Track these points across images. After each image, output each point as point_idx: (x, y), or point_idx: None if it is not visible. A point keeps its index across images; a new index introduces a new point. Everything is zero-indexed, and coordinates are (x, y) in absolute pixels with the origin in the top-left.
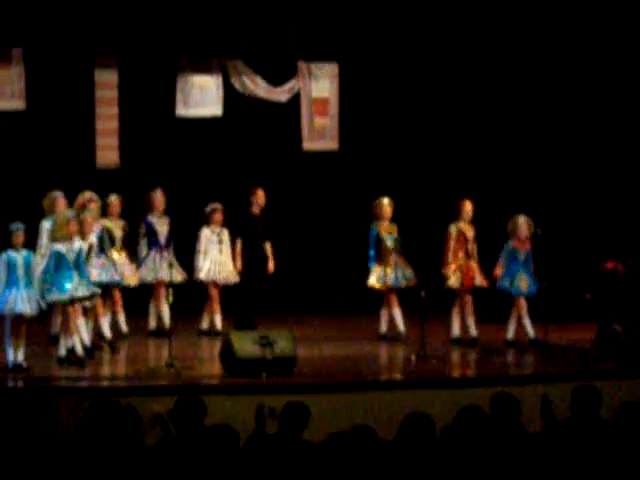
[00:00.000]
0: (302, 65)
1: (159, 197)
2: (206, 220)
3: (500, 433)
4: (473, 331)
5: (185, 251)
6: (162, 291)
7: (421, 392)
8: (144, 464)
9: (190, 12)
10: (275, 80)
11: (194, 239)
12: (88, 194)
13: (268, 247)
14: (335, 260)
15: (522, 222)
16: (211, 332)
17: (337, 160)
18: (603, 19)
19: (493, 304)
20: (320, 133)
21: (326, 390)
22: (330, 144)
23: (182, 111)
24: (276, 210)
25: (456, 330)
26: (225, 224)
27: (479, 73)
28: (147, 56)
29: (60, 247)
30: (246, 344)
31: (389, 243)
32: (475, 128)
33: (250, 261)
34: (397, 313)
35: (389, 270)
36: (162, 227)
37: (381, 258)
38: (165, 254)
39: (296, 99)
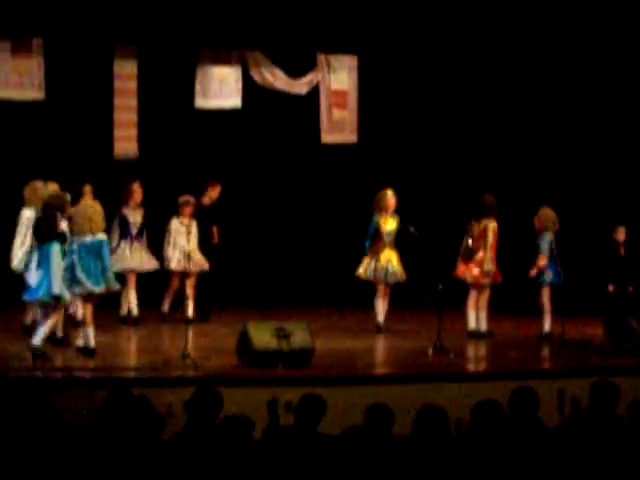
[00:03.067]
0: (321, 57)
1: (137, 189)
2: (177, 211)
3: (518, 428)
4: (484, 325)
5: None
6: (132, 280)
7: (438, 385)
8: (160, 455)
9: (210, 3)
10: (294, 72)
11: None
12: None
13: (214, 231)
14: (354, 252)
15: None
16: (164, 317)
17: (356, 153)
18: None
19: (511, 297)
20: (339, 126)
21: (343, 382)
22: (349, 137)
23: (201, 103)
24: (295, 203)
25: (472, 323)
26: (194, 216)
27: (500, 65)
28: (166, 47)
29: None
30: (263, 336)
31: (386, 237)
32: (495, 120)
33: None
34: (381, 304)
35: (379, 264)
36: (135, 218)
37: (375, 250)
38: (136, 244)
39: (315, 91)
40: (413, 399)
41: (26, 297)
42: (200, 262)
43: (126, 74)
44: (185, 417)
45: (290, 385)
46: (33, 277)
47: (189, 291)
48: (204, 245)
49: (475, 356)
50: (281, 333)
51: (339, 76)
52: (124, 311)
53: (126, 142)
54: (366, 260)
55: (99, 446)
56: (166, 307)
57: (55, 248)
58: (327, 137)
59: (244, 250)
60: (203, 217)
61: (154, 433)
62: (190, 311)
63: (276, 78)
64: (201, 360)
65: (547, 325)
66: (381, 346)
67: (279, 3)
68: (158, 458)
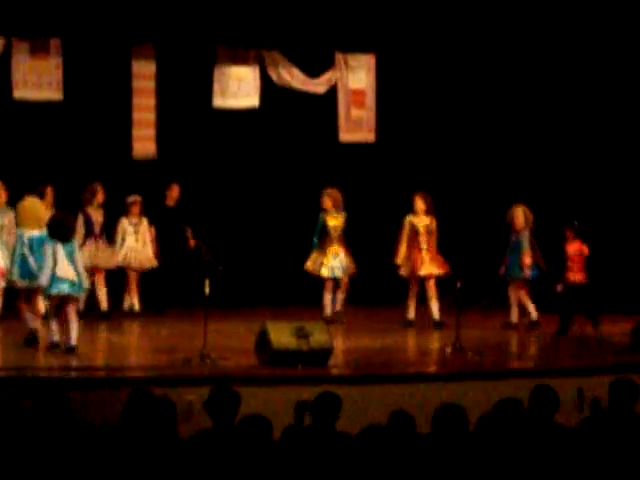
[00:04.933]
0: (339, 56)
1: (99, 190)
2: (125, 210)
3: (537, 426)
4: (436, 314)
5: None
6: (100, 277)
7: (457, 384)
8: (179, 454)
9: (227, 3)
10: (312, 71)
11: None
12: None
13: (189, 232)
14: (370, 250)
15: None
16: (132, 312)
17: (374, 152)
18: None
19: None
20: (357, 125)
21: (362, 382)
22: (367, 136)
23: (219, 102)
24: (313, 202)
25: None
26: (143, 214)
27: (519, 65)
28: (184, 47)
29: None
30: (282, 335)
31: (333, 233)
32: (513, 121)
33: (165, 248)
34: (328, 298)
35: (327, 259)
36: (98, 217)
37: (322, 246)
38: (100, 242)
39: (333, 90)
40: (432, 398)
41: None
42: (144, 261)
43: (144, 74)
44: (204, 417)
45: (309, 384)
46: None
47: (132, 286)
48: (167, 244)
49: (494, 354)
50: (300, 332)
51: (357, 75)
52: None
53: (145, 142)
54: (314, 255)
55: (119, 446)
56: (127, 303)
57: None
58: (345, 136)
59: (261, 248)
60: (169, 218)
61: (174, 432)
62: (136, 306)
63: (294, 77)
64: (220, 360)
65: (514, 317)
66: (400, 345)
67: (297, 2)
68: (177, 457)
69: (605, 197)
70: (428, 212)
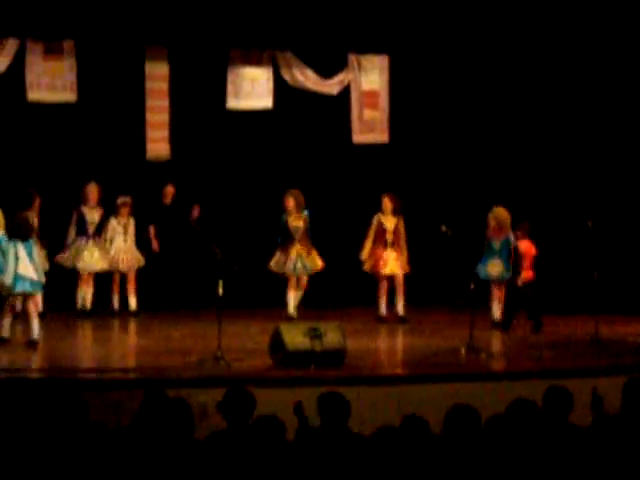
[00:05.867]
0: (352, 57)
1: (93, 190)
2: (115, 211)
3: (551, 427)
4: (401, 311)
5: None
6: (85, 277)
7: (471, 385)
8: (194, 455)
9: (240, 4)
10: (325, 72)
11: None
12: None
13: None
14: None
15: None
16: (123, 312)
17: (387, 153)
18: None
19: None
20: (370, 126)
21: (375, 382)
22: (380, 137)
23: (233, 103)
24: (326, 203)
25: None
26: (132, 215)
27: (534, 66)
28: (198, 48)
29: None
30: (296, 336)
31: (295, 233)
32: (526, 122)
33: (166, 246)
34: (292, 296)
35: (289, 258)
36: (93, 217)
37: (285, 246)
38: (90, 243)
39: (346, 92)
40: (445, 399)
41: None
42: (132, 261)
43: (158, 75)
44: (219, 418)
45: (323, 385)
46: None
47: (130, 286)
48: (167, 242)
49: (507, 355)
50: (314, 333)
51: (370, 76)
52: (79, 305)
53: (158, 143)
54: (277, 255)
55: (135, 447)
56: (115, 302)
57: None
58: (358, 137)
59: (274, 249)
60: (166, 216)
61: (189, 434)
62: (133, 304)
63: (307, 78)
64: (234, 361)
65: (498, 313)
66: (413, 345)
67: (310, 3)
68: (192, 459)
69: (615, 197)
70: (395, 212)
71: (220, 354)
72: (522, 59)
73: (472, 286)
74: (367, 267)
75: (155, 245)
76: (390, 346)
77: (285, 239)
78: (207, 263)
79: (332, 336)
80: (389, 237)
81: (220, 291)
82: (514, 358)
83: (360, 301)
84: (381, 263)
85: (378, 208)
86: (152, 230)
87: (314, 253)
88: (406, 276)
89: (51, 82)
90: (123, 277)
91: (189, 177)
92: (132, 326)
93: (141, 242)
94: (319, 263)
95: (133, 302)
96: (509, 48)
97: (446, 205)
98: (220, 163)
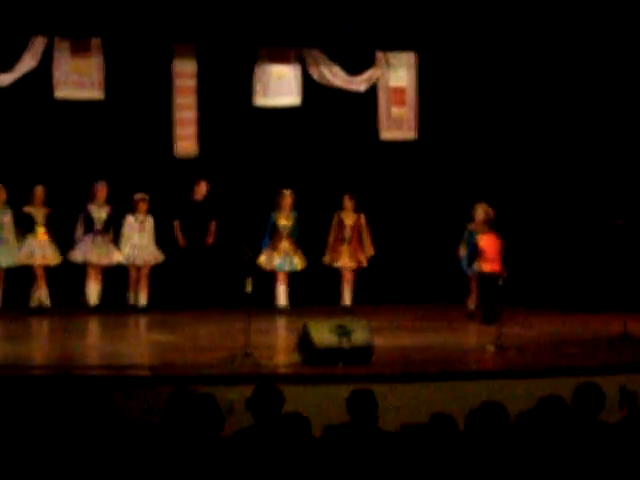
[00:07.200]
0: (380, 54)
1: (100, 188)
2: (132, 207)
3: (581, 424)
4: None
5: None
6: (92, 272)
7: (499, 382)
8: (222, 452)
9: (268, 1)
10: (353, 70)
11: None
12: None
13: (212, 226)
14: (413, 249)
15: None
16: (136, 308)
17: (415, 150)
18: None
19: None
20: (398, 123)
21: (403, 380)
22: (408, 134)
23: (260, 100)
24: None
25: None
26: (150, 212)
27: (560, 63)
28: (226, 46)
29: None
30: (324, 334)
31: (283, 231)
32: (557, 118)
33: (189, 240)
34: (281, 289)
35: (277, 255)
36: (100, 214)
37: (274, 243)
38: (99, 239)
39: (373, 89)
40: (474, 396)
41: None
42: (149, 257)
43: (186, 72)
44: (246, 415)
45: (351, 382)
46: None
47: (142, 282)
48: (193, 238)
49: (535, 353)
50: (342, 331)
51: (398, 73)
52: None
53: (187, 141)
54: (267, 252)
55: (162, 444)
56: (131, 298)
57: None
58: (386, 134)
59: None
60: (196, 212)
61: (217, 431)
62: (143, 300)
63: (335, 75)
64: (262, 358)
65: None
66: (441, 343)
67: (338, 1)
68: (220, 456)
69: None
70: (355, 210)
71: (249, 351)
72: (550, 56)
73: (501, 282)
74: (326, 260)
75: (181, 241)
76: (417, 343)
77: (273, 236)
78: (235, 262)
79: (360, 333)
80: (347, 233)
81: (249, 289)
82: (542, 355)
83: (387, 299)
84: (336, 257)
85: (407, 204)
86: (177, 225)
87: (300, 252)
88: (360, 270)
89: (78, 80)
90: None
91: (217, 174)
92: (157, 323)
93: (164, 238)
94: (303, 263)
95: (143, 298)
96: (536, 45)
97: (473, 201)
98: (248, 160)
